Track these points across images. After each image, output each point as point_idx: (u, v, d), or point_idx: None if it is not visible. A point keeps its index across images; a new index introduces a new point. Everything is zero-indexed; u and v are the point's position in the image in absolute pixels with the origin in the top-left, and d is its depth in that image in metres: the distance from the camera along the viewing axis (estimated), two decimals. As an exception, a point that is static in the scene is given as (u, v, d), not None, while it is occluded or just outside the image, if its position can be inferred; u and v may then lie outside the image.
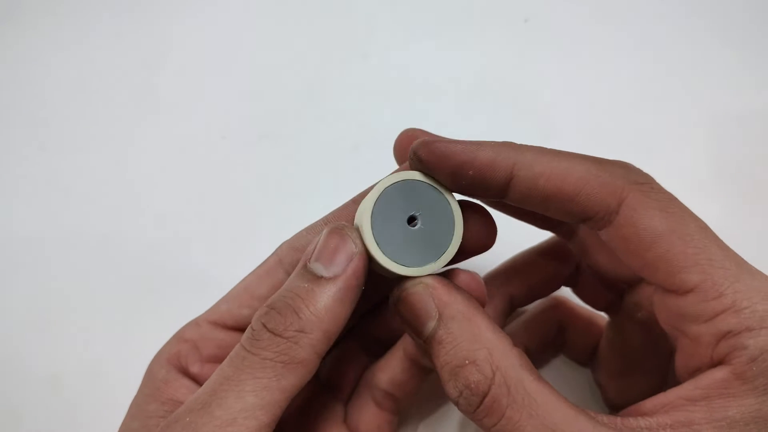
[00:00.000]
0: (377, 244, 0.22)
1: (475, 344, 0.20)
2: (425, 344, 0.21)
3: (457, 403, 0.20)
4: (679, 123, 0.38)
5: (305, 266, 0.22)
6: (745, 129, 0.37)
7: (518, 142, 0.37)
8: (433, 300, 0.21)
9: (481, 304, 0.22)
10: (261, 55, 0.42)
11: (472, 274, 0.23)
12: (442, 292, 0.21)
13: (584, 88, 0.40)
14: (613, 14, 0.41)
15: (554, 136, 0.38)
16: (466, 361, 0.20)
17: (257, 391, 0.20)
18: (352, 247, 0.21)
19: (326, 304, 0.21)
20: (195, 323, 0.27)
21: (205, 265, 0.37)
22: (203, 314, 0.27)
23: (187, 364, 0.26)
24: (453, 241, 0.22)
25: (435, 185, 0.22)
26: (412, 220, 0.22)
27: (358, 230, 0.22)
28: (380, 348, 0.29)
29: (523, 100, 0.39)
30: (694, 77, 0.39)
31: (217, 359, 0.26)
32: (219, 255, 0.37)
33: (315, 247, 0.22)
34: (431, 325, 0.21)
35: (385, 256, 0.22)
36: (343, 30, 0.42)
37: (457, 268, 0.24)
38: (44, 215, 0.39)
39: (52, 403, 0.35)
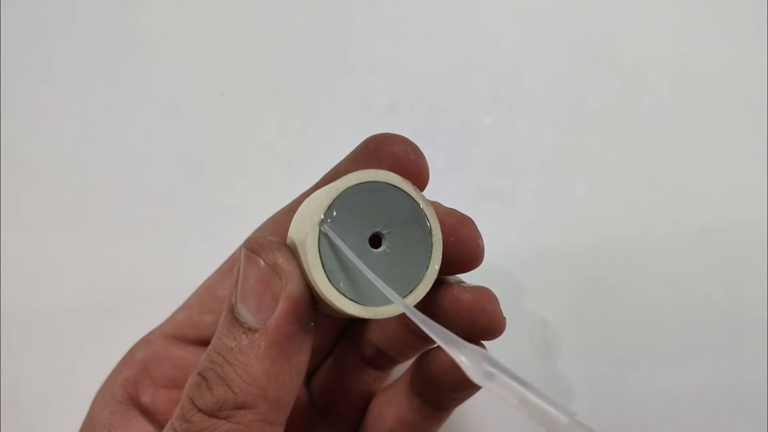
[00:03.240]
0: (325, 272, 0.18)
1: None
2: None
3: None
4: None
5: (232, 310, 0.19)
6: None
7: (602, 101, 0.37)
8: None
9: (493, 329, 0.20)
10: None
11: (480, 293, 0.20)
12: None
13: (684, 31, 0.37)
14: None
15: (645, 92, 0.35)
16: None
17: None
18: (276, 285, 0.18)
19: (264, 366, 0.18)
20: (146, 340, 0.25)
21: (202, 251, 0.34)
22: (158, 327, 0.25)
23: (137, 392, 0.23)
24: (426, 277, 0.19)
25: (413, 195, 0.19)
26: (376, 240, 0.19)
27: (291, 249, 0.19)
28: (385, 360, 0.26)
29: (606, 46, 0.37)
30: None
31: (175, 383, 0.24)
32: (219, 238, 0.33)
33: (237, 279, 0.19)
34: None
35: (335, 288, 0.18)
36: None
37: (458, 284, 0.21)
38: (18, 185, 0.36)
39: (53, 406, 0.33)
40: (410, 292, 0.19)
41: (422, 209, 0.19)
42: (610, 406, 0.31)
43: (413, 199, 0.19)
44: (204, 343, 0.24)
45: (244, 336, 0.18)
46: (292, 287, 0.18)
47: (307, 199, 0.20)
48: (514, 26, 0.37)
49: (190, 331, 0.24)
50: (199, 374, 0.18)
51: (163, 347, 0.24)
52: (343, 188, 0.18)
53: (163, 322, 0.25)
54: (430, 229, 0.19)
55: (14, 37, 0.39)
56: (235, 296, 0.19)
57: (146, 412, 0.23)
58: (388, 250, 0.19)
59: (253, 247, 0.19)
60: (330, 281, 0.18)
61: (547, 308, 0.32)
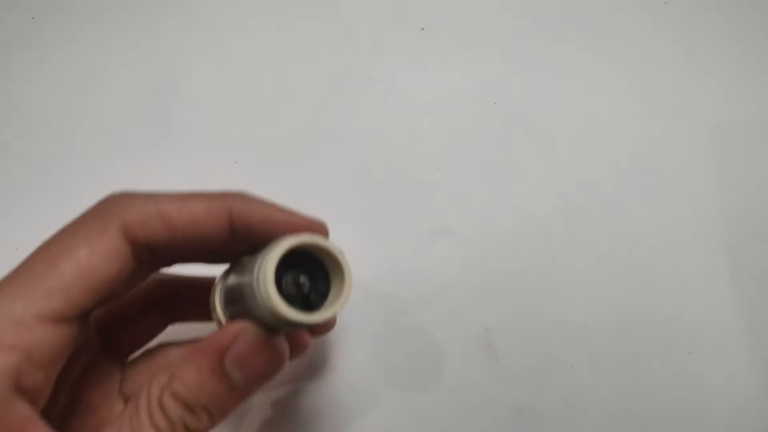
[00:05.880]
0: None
1: None
2: None
3: None
4: (679, 133, 0.38)
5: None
6: (745, 138, 0.38)
7: (523, 157, 0.39)
8: None
9: None
10: (269, 82, 0.42)
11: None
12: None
13: (585, 100, 0.40)
14: (612, 26, 0.41)
15: (557, 149, 0.39)
16: None
17: None
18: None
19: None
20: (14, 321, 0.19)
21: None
22: (21, 306, 0.19)
23: (21, 380, 0.19)
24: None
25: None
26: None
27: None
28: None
29: (526, 115, 0.40)
30: (694, 87, 0.39)
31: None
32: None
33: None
34: None
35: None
36: (346, 55, 0.42)
37: None
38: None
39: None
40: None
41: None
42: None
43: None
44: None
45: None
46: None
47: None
48: (455, 106, 0.40)
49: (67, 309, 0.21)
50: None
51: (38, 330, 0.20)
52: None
53: (27, 298, 0.20)
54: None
55: (87, 120, 0.42)
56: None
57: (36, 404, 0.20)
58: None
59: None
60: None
61: (489, 316, 0.35)
